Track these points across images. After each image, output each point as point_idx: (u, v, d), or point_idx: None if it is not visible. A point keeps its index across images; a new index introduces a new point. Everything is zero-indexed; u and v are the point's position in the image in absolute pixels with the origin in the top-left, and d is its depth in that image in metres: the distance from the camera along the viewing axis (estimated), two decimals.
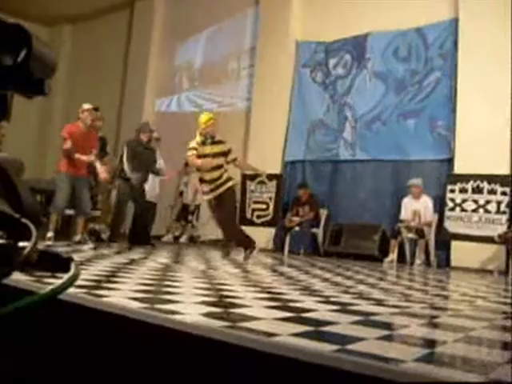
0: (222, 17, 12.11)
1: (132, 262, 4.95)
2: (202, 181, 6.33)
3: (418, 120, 8.87)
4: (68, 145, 7.12)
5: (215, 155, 6.16)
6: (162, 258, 5.83)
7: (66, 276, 0.71)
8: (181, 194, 10.89)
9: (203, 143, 6.18)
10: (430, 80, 8.85)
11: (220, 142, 6.29)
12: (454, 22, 8.60)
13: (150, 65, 13.08)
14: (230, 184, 6.29)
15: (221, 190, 6.19)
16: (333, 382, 1.32)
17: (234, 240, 6.62)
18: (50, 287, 0.67)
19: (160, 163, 8.46)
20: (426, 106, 8.83)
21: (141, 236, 7.79)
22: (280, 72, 10.42)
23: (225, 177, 6.27)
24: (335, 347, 1.64)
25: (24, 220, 0.66)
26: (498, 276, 6.97)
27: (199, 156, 6.14)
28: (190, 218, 10.79)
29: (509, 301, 3.76)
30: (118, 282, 3.11)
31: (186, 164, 9.79)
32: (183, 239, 10.74)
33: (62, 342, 1.87)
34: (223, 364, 1.49)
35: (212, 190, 6.22)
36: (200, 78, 12.65)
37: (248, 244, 6.31)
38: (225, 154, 6.25)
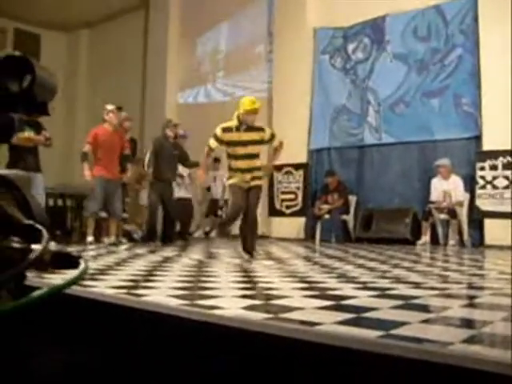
0: (239, 5, 12.10)
1: (166, 259, 5.01)
2: (232, 169, 5.66)
3: (442, 99, 8.76)
4: (85, 148, 7.23)
5: (248, 143, 5.50)
6: (195, 254, 5.88)
7: (76, 271, 0.76)
8: (208, 189, 10.93)
9: (237, 129, 5.49)
10: (452, 58, 8.72)
11: (258, 129, 5.58)
12: None
13: (169, 60, 13.10)
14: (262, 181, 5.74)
15: (256, 182, 5.59)
16: (382, 368, 1.33)
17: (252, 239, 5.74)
18: (61, 282, 0.72)
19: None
20: (449, 84, 8.71)
21: (171, 233, 7.89)
22: (299, 59, 10.36)
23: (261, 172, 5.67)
24: (379, 333, 1.64)
25: (36, 225, 0.72)
26: None
27: (227, 143, 5.54)
28: (219, 212, 10.84)
29: None
30: (156, 281, 3.15)
31: (215, 159, 9.85)
32: (214, 234, 10.81)
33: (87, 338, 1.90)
34: (266, 355, 1.51)
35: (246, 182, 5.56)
36: (225, 66, 12.63)
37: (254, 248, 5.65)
38: (262, 142, 5.61)
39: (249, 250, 5.47)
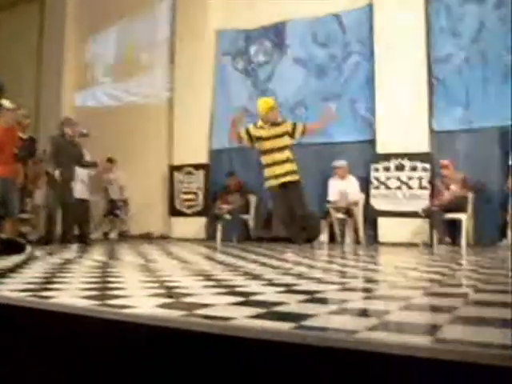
0: (136, 6, 11.91)
1: (68, 261, 4.87)
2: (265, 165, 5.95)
3: (340, 103, 9.12)
4: None
5: (273, 137, 5.83)
6: (97, 255, 5.76)
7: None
8: (105, 190, 10.71)
9: (261, 127, 5.91)
10: (349, 64, 9.13)
11: (280, 124, 5.91)
12: (369, 7, 8.90)
13: (65, 58, 12.68)
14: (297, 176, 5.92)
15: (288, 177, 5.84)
16: (297, 357, 1.40)
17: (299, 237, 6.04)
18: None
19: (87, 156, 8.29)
20: (346, 90, 9.11)
21: (70, 235, 7.65)
22: (201, 61, 10.43)
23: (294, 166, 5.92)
24: (292, 324, 1.72)
25: None
26: (424, 248, 7.34)
27: (257, 138, 5.89)
28: (117, 212, 10.64)
29: (438, 270, 3.99)
30: (61, 283, 3.07)
31: (110, 160, 9.71)
32: (113, 235, 10.59)
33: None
34: (181, 351, 1.54)
35: (276, 177, 5.84)
36: (114, 70, 12.40)
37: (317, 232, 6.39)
38: (287, 134, 5.89)
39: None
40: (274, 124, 5.90)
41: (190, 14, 10.62)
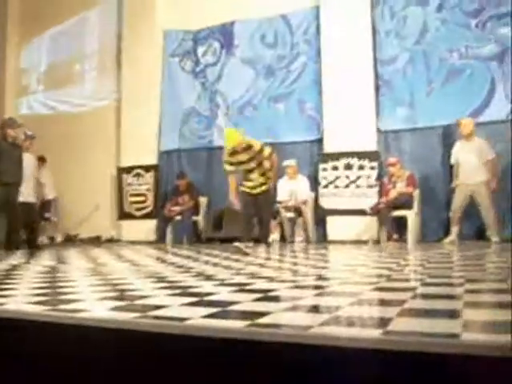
0: (78, 10, 11.73)
1: (14, 267, 4.75)
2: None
3: (288, 103, 9.23)
4: None
5: (246, 161, 7.00)
6: (44, 260, 5.64)
7: None
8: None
9: (235, 152, 6.96)
10: (297, 65, 9.24)
11: (248, 148, 6.95)
12: (316, 9, 9.03)
13: (7, 63, 12.36)
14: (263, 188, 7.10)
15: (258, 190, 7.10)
16: (255, 353, 1.42)
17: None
18: None
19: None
20: (294, 90, 9.22)
21: (15, 241, 7.43)
22: (148, 63, 10.37)
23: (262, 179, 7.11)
24: (247, 322, 1.74)
25: None
26: (373, 245, 7.49)
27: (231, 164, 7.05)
28: (46, 215, 10.35)
29: (385, 265, 4.09)
30: (8, 289, 3.00)
31: (42, 159, 9.50)
32: (60, 238, 10.38)
33: None
34: (138, 351, 1.54)
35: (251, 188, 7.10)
36: (50, 78, 12.17)
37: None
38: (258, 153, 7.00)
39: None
40: (245, 148, 6.93)
41: (136, 15, 10.52)
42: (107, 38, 11.46)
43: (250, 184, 7.07)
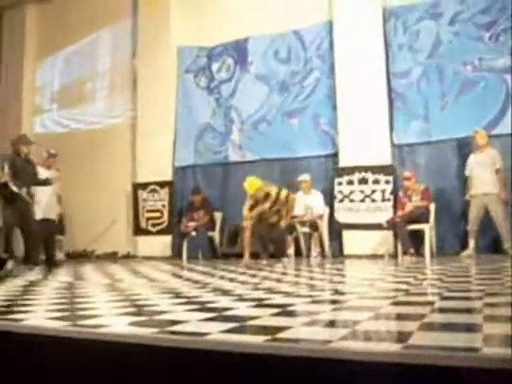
0: (93, 30, 11.91)
1: (32, 283, 4.79)
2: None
3: (302, 118, 9.26)
4: None
5: (270, 208, 7.47)
6: (61, 276, 5.68)
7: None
8: None
9: (256, 203, 7.47)
10: (311, 80, 9.28)
11: (267, 196, 7.45)
12: (329, 24, 9.08)
13: (24, 82, 12.54)
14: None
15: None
16: (274, 368, 1.43)
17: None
18: None
19: (43, 173, 8.05)
20: (308, 105, 9.24)
21: (34, 257, 7.45)
22: (163, 79, 10.45)
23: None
24: (267, 337, 1.75)
25: None
26: (389, 259, 7.46)
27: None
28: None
29: (403, 279, 4.08)
30: (29, 305, 3.03)
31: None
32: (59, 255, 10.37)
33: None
34: (160, 365, 1.56)
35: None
36: (63, 96, 12.34)
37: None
38: (276, 201, 7.47)
39: None
40: (265, 197, 7.41)
41: (151, 32, 10.64)
42: (122, 57, 11.59)
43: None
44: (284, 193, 7.55)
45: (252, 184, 7.48)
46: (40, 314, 2.59)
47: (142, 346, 1.64)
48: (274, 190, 7.52)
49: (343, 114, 8.70)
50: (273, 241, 7.78)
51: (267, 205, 7.46)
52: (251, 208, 7.48)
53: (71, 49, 12.31)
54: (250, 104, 9.72)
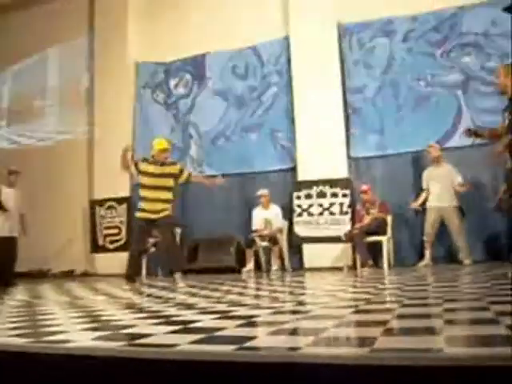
0: (47, 45, 11.77)
1: None
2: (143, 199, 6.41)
3: (260, 133, 9.34)
4: None
5: (161, 175, 6.34)
6: (17, 294, 5.56)
7: None
8: None
9: (151, 163, 6.39)
10: (268, 95, 9.39)
11: (169, 165, 6.46)
12: (286, 40, 9.23)
13: None
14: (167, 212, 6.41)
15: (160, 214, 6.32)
16: (244, 374, 1.45)
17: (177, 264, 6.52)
18: None
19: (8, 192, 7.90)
20: (266, 120, 9.33)
21: None
22: (121, 95, 10.38)
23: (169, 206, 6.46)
24: (234, 346, 1.76)
25: None
26: (348, 271, 7.55)
27: (142, 173, 6.39)
28: None
29: (363, 290, 4.14)
30: None
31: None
32: None
33: None
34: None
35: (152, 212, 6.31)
36: (12, 113, 12.17)
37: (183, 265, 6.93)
38: (173, 176, 6.44)
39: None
40: (164, 164, 6.41)
41: (108, 48, 10.58)
42: (77, 72, 11.47)
43: (153, 207, 6.32)
44: (186, 173, 6.65)
45: (159, 144, 6.43)
46: (2, 332, 2.54)
47: (110, 358, 1.64)
48: (177, 167, 6.55)
49: (301, 129, 8.82)
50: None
51: (163, 169, 6.34)
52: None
53: (21, 65, 12.12)
54: (208, 119, 9.75)
